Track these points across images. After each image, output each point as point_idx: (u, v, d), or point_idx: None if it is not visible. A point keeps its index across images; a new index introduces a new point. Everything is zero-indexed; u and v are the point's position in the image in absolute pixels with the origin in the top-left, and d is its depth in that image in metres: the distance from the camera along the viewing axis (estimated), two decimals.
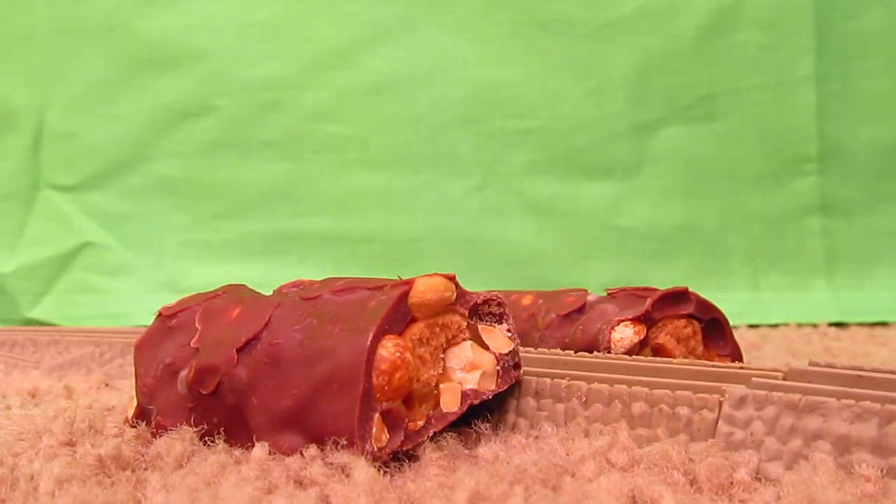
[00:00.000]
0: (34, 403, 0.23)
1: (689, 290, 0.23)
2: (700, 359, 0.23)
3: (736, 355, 0.24)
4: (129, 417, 0.18)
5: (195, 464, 0.15)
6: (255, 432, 0.16)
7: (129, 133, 0.53)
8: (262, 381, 0.16)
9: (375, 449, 0.15)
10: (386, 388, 0.15)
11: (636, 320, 0.22)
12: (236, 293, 0.19)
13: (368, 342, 0.15)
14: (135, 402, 0.18)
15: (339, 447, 0.15)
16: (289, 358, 0.16)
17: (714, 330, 0.24)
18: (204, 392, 0.17)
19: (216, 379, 0.17)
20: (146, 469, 0.16)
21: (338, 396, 0.15)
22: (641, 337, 0.22)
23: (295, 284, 0.19)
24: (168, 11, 0.52)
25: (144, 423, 0.18)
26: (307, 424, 0.16)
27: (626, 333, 0.22)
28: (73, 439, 0.17)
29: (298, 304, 0.17)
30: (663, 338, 0.22)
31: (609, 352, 0.22)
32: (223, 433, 0.17)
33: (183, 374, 0.17)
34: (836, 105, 0.46)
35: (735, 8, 0.46)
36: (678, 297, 0.23)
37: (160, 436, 0.17)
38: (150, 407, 0.18)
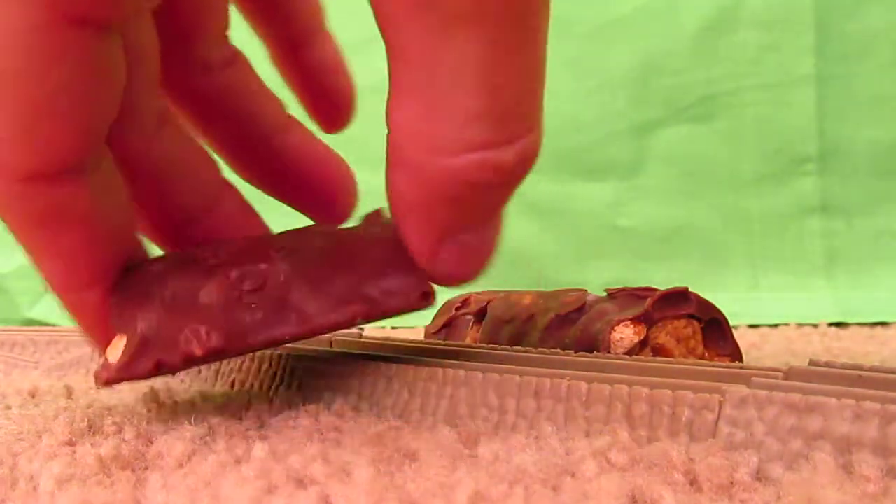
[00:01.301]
0: (34, 403, 0.23)
1: (689, 290, 0.23)
2: (700, 359, 0.23)
3: (736, 355, 0.24)
4: (117, 362, 0.17)
5: (195, 464, 0.15)
6: (313, 315, 0.18)
7: None
8: (305, 273, 0.18)
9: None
10: None
11: (636, 320, 0.22)
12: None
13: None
14: (122, 340, 0.18)
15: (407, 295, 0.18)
16: (315, 257, 0.18)
17: (714, 330, 0.24)
18: (248, 289, 0.18)
19: (264, 275, 0.18)
20: (146, 469, 0.16)
21: (398, 266, 0.18)
22: (641, 337, 0.22)
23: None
24: None
25: (146, 360, 0.17)
26: (369, 292, 0.18)
27: (626, 333, 0.22)
28: (73, 439, 0.17)
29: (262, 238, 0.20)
30: (663, 338, 0.22)
31: (609, 352, 0.22)
32: (265, 323, 0.18)
33: (208, 286, 0.18)
34: (836, 105, 0.46)
35: (735, 8, 0.47)
36: (678, 297, 0.23)
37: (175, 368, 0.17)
38: (159, 334, 0.18)
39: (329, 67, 0.24)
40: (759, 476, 0.14)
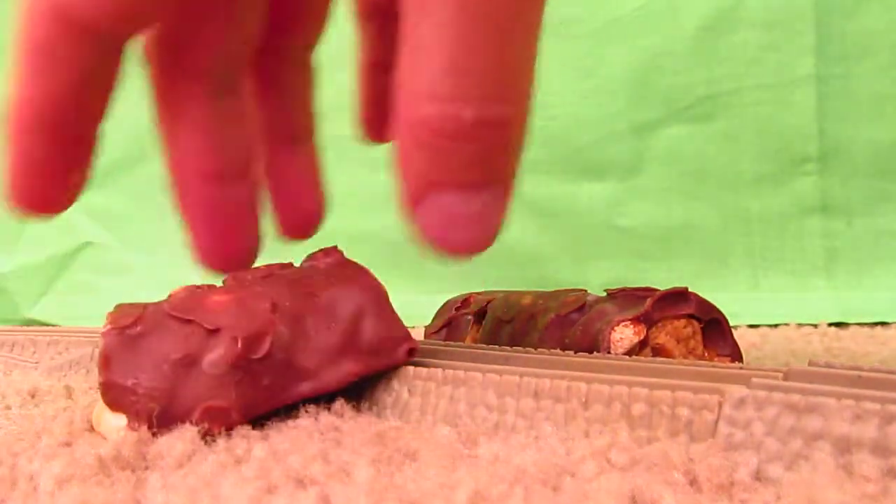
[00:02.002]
0: (34, 403, 0.23)
1: (689, 290, 0.23)
2: (700, 359, 0.23)
3: (736, 356, 0.24)
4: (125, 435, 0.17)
5: (195, 464, 0.15)
6: (313, 373, 0.19)
7: (129, 133, 0.53)
8: (304, 330, 0.19)
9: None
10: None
11: (636, 320, 0.22)
12: (176, 295, 0.20)
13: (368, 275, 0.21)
14: (123, 421, 0.17)
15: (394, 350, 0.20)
16: (310, 311, 0.19)
17: (714, 330, 0.24)
18: (256, 357, 0.18)
19: (268, 341, 0.18)
20: (146, 469, 0.16)
21: (379, 316, 0.20)
22: (641, 337, 0.22)
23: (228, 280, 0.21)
24: None
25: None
26: (359, 346, 0.20)
27: (625, 334, 0.22)
28: (73, 439, 0.17)
29: (264, 281, 0.20)
30: (663, 338, 0.22)
31: (609, 352, 0.22)
32: (273, 389, 0.18)
33: (212, 355, 0.18)
34: (836, 105, 0.46)
35: (735, 8, 0.46)
36: (678, 297, 0.23)
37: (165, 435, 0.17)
38: (167, 410, 0.18)
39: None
40: (759, 476, 0.14)
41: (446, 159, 0.17)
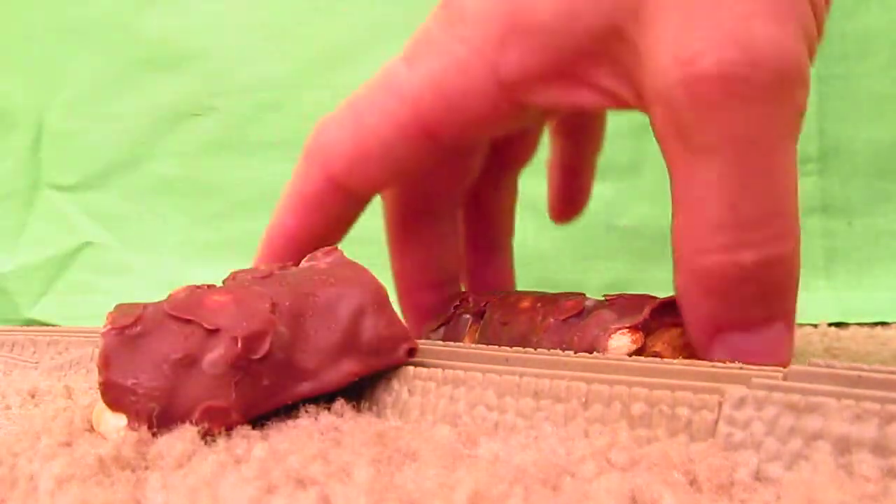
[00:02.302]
0: (34, 403, 0.23)
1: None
2: None
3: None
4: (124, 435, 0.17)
5: (195, 464, 0.15)
6: (312, 373, 0.19)
7: (129, 133, 0.53)
8: (303, 330, 0.19)
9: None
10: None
11: (634, 328, 0.22)
12: (176, 295, 0.20)
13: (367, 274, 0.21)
14: (123, 422, 0.17)
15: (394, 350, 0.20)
16: (309, 311, 0.19)
17: None
18: (256, 357, 0.18)
19: (268, 340, 0.18)
20: (146, 469, 0.16)
21: (379, 316, 0.20)
22: (639, 345, 0.22)
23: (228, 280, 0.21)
24: (168, 11, 0.52)
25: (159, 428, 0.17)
26: (359, 346, 0.20)
27: (622, 341, 0.22)
28: (73, 439, 0.17)
29: (263, 281, 0.20)
30: (660, 346, 0.22)
31: None
32: (273, 389, 0.18)
33: (212, 356, 0.18)
34: (836, 105, 0.46)
35: None
36: (676, 305, 0.23)
37: (164, 435, 0.17)
38: (167, 410, 0.17)
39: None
40: (759, 476, 0.14)
41: (731, 303, 0.19)
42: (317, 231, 0.25)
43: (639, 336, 0.22)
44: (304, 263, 0.22)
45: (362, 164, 0.24)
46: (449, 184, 0.27)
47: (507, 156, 0.29)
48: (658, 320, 0.22)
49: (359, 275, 0.21)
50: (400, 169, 0.24)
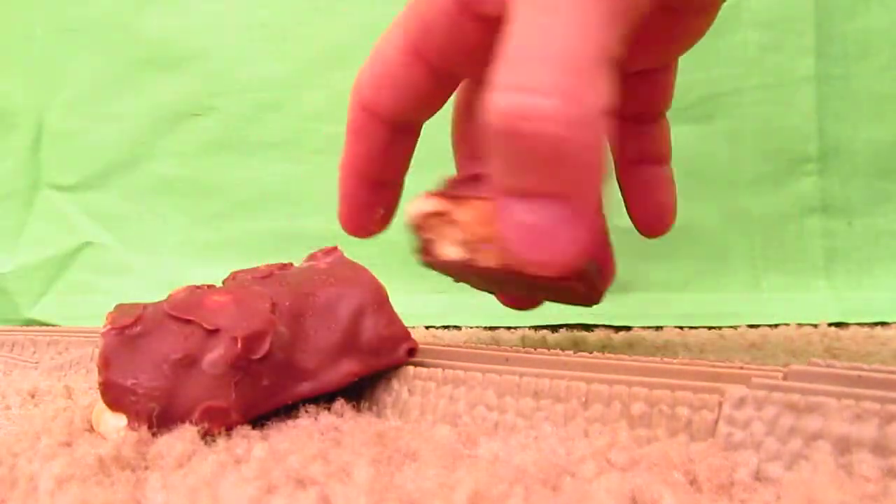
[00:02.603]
0: (34, 403, 0.23)
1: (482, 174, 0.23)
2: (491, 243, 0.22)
3: None
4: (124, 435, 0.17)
5: (195, 464, 0.15)
6: (312, 373, 0.19)
7: (129, 133, 0.53)
8: (303, 330, 0.19)
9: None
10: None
11: (440, 195, 0.22)
12: (176, 295, 0.20)
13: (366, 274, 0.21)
14: (123, 422, 0.17)
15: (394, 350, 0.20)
16: (309, 311, 0.19)
17: None
18: (256, 357, 0.18)
19: (268, 341, 0.18)
20: (146, 469, 0.16)
21: (379, 316, 0.20)
22: (437, 210, 0.22)
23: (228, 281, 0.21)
24: (168, 11, 0.52)
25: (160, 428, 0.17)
26: (359, 346, 0.20)
27: (424, 205, 0.22)
28: (73, 439, 0.17)
29: (263, 281, 0.20)
30: (465, 215, 0.21)
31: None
32: (273, 389, 0.18)
33: (212, 356, 0.18)
34: (836, 105, 0.46)
35: (735, 8, 0.46)
36: (485, 178, 0.22)
37: (164, 434, 0.17)
38: (167, 410, 0.18)
39: (656, 186, 0.30)
40: (759, 476, 0.14)
41: (513, 165, 0.17)
42: (368, 161, 0.25)
43: (440, 201, 0.22)
44: (303, 263, 0.22)
45: (379, 89, 0.24)
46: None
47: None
48: (470, 192, 0.22)
49: (358, 275, 0.21)
50: (410, 94, 0.24)
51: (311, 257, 0.22)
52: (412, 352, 0.21)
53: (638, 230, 0.30)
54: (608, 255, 0.27)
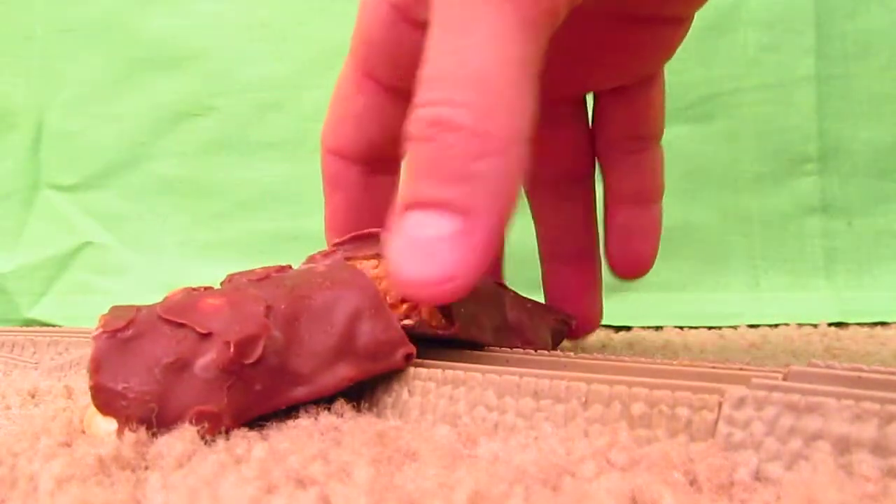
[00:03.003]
0: (34, 404, 0.23)
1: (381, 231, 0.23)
2: (399, 299, 0.22)
3: None
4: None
5: (195, 464, 0.15)
6: (307, 378, 0.18)
7: (129, 133, 0.53)
8: (298, 334, 0.18)
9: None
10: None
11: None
12: (172, 297, 0.19)
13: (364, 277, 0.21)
14: (114, 426, 0.17)
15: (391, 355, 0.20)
16: (305, 314, 0.19)
17: None
18: (248, 361, 0.18)
19: (261, 345, 0.18)
20: (146, 469, 0.16)
21: (376, 320, 0.19)
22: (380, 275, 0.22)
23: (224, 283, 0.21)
24: (168, 11, 0.52)
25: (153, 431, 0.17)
26: (355, 350, 0.19)
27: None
28: (73, 439, 0.17)
29: (259, 284, 0.20)
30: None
31: None
32: (266, 394, 0.18)
33: (204, 360, 0.17)
34: (836, 105, 0.46)
35: (735, 8, 0.46)
36: (369, 237, 0.23)
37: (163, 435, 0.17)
38: (158, 414, 0.17)
39: (637, 232, 0.29)
40: (759, 476, 0.14)
41: (413, 169, 0.17)
42: (350, 212, 0.25)
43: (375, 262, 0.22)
44: (302, 266, 0.22)
45: (341, 128, 0.24)
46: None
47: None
48: (351, 252, 0.23)
49: (355, 278, 0.21)
50: (372, 123, 0.24)
51: (311, 259, 0.22)
52: (409, 357, 0.20)
53: (610, 268, 0.30)
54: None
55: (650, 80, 0.26)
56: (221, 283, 0.21)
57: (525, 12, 0.16)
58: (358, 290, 0.20)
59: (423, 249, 0.16)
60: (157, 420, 0.17)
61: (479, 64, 0.16)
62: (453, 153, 0.16)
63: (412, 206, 0.17)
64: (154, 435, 0.17)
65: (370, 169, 0.25)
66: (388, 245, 0.17)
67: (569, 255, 0.30)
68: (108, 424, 0.17)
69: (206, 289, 0.20)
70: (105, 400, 0.17)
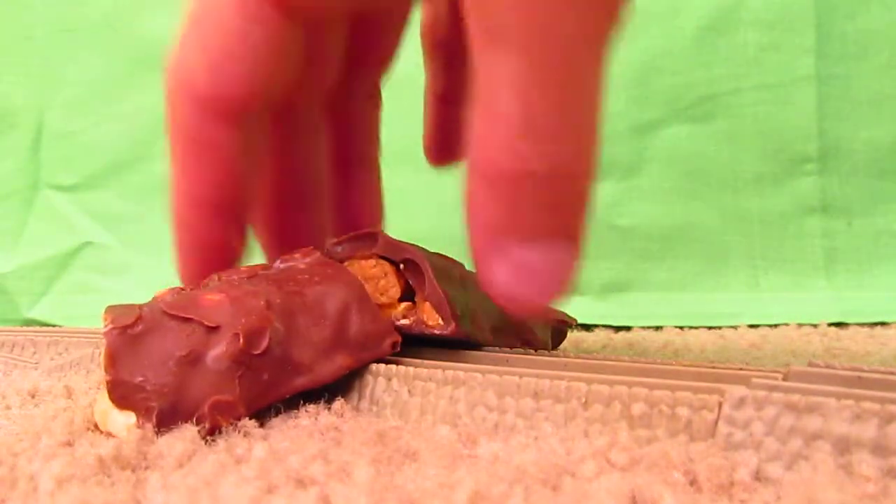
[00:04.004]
0: (34, 404, 0.23)
1: (380, 231, 0.23)
2: (399, 299, 0.23)
3: (434, 298, 0.22)
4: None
5: (195, 464, 0.15)
6: (307, 367, 0.19)
7: (129, 133, 0.53)
8: (296, 326, 0.19)
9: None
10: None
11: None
12: (162, 297, 0.20)
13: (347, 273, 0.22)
14: (132, 419, 0.18)
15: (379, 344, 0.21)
16: (299, 308, 0.20)
17: (416, 273, 0.23)
18: (256, 352, 0.18)
19: (267, 336, 0.19)
20: (146, 469, 0.16)
21: (363, 311, 0.21)
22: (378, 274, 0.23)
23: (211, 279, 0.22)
24: (168, 11, 0.52)
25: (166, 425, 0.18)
26: (348, 340, 0.20)
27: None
28: (73, 439, 0.17)
29: (251, 281, 0.20)
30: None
31: None
32: (272, 383, 0.19)
33: (215, 351, 0.18)
34: (836, 105, 0.46)
35: (735, 8, 0.46)
36: (366, 237, 0.23)
37: (166, 433, 0.17)
38: (176, 405, 0.18)
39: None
40: (759, 476, 0.14)
41: (517, 210, 0.17)
42: (218, 180, 0.22)
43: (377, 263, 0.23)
44: (279, 265, 0.22)
45: (224, 67, 0.21)
46: (310, 82, 0.24)
47: (363, 58, 0.26)
48: (349, 252, 0.23)
49: (340, 273, 0.22)
50: (268, 60, 0.21)
51: (289, 258, 0.22)
52: (396, 345, 0.21)
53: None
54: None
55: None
56: (205, 284, 0.21)
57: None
58: (344, 285, 0.21)
59: (536, 273, 0.17)
60: (175, 411, 0.18)
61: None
62: (557, 185, 0.17)
63: (515, 236, 0.18)
64: (158, 433, 0.17)
65: (248, 122, 0.21)
66: (495, 275, 0.18)
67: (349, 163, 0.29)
68: (126, 418, 0.17)
69: (192, 288, 0.20)
70: (122, 394, 0.18)
